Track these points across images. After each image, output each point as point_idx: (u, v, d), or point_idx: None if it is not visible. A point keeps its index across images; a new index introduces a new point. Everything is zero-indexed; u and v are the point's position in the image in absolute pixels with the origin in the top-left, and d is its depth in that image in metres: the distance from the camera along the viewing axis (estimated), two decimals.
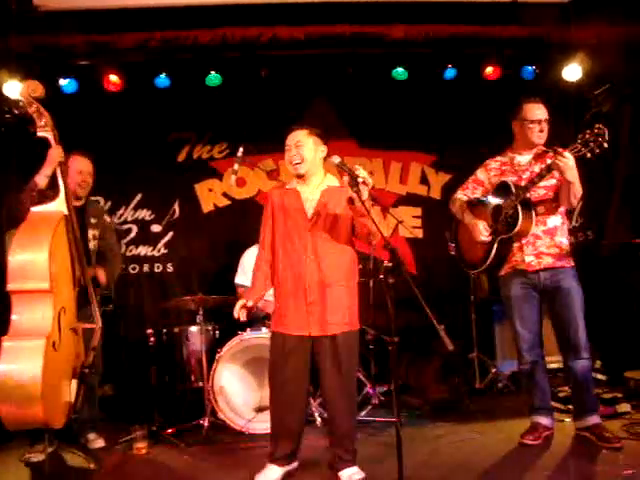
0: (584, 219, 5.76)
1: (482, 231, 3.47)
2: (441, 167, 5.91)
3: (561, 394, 4.13)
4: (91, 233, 3.88)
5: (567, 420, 3.74)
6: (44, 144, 3.30)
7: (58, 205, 3.24)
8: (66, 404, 3.14)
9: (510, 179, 3.45)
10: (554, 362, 4.36)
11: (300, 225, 3.09)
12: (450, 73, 5.32)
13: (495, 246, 3.45)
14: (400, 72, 5.28)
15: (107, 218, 4.12)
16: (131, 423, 3.85)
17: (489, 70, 5.30)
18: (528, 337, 3.48)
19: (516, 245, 3.44)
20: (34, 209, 3.21)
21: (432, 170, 5.93)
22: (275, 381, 3.10)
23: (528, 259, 3.41)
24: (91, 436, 3.89)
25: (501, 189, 3.47)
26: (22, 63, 4.57)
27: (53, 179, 3.39)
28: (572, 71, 5.06)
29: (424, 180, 5.92)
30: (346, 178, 2.80)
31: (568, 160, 3.12)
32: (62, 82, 4.96)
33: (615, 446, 3.20)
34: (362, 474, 3.04)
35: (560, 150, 3.15)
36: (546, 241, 3.39)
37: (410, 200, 5.90)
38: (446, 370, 5.06)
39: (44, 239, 3.01)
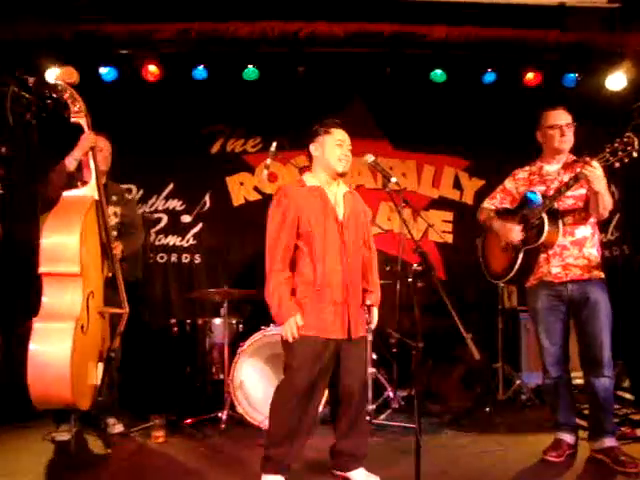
0: (621, 233, 5.61)
1: (514, 229, 3.38)
2: (475, 172, 5.84)
3: (586, 411, 4.02)
4: (112, 210, 3.90)
5: None
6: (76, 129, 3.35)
7: (90, 190, 3.29)
8: (92, 387, 3.19)
9: (538, 189, 3.39)
10: (580, 378, 4.26)
11: (333, 227, 2.97)
12: (489, 77, 5.24)
13: (521, 256, 3.38)
14: (439, 74, 5.22)
15: (128, 196, 4.14)
16: (149, 411, 3.88)
17: (529, 76, 5.19)
18: (553, 351, 3.39)
19: (543, 256, 3.36)
20: (66, 193, 3.27)
21: (466, 175, 5.87)
22: (301, 386, 2.87)
23: (555, 270, 3.33)
24: (111, 420, 3.93)
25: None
26: (64, 51, 4.64)
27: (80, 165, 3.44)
28: (616, 80, 4.92)
29: (457, 184, 5.86)
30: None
31: (596, 170, 3.04)
32: (102, 70, 5.03)
33: (631, 471, 3.07)
34: (376, 478, 3.01)
35: (588, 159, 3.08)
36: (574, 252, 3.30)
37: (442, 204, 5.84)
38: (469, 379, 4.99)
39: (75, 223, 3.05)
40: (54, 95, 3.14)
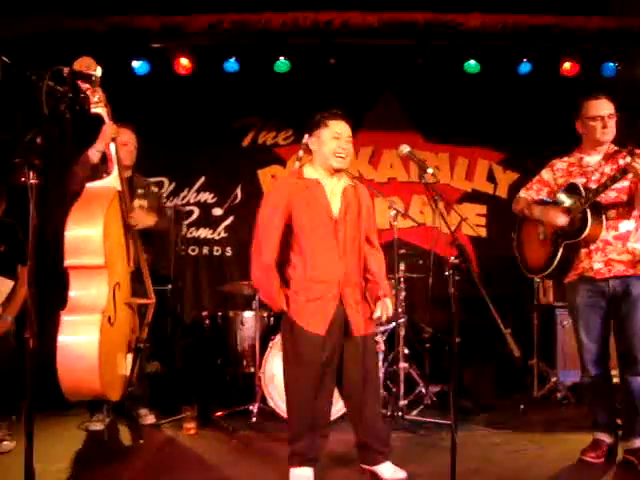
0: None
1: (557, 213, 3.24)
2: (509, 165, 5.74)
3: None
4: (138, 203, 3.85)
5: None
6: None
7: (112, 181, 3.24)
8: (122, 377, 3.21)
9: (578, 180, 3.26)
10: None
11: (325, 222, 2.89)
12: (525, 68, 5.14)
13: (560, 251, 3.26)
14: (472, 65, 5.14)
15: (155, 188, 4.11)
16: (181, 403, 3.91)
17: (567, 66, 5.06)
18: (592, 348, 3.27)
19: (584, 251, 3.23)
20: (89, 185, 3.22)
21: (500, 168, 5.77)
22: (305, 379, 2.88)
23: (597, 266, 3.20)
24: (143, 411, 3.95)
25: (569, 191, 3.28)
26: (97, 44, 4.68)
27: (103, 156, 3.40)
28: None
29: (491, 178, 5.77)
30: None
31: None
32: (135, 64, 5.07)
33: None
34: (403, 473, 2.96)
35: (637, 151, 2.95)
36: (617, 247, 3.18)
37: (475, 197, 5.75)
38: (503, 375, 4.90)
39: (98, 215, 3.02)
40: (81, 85, 3.03)
